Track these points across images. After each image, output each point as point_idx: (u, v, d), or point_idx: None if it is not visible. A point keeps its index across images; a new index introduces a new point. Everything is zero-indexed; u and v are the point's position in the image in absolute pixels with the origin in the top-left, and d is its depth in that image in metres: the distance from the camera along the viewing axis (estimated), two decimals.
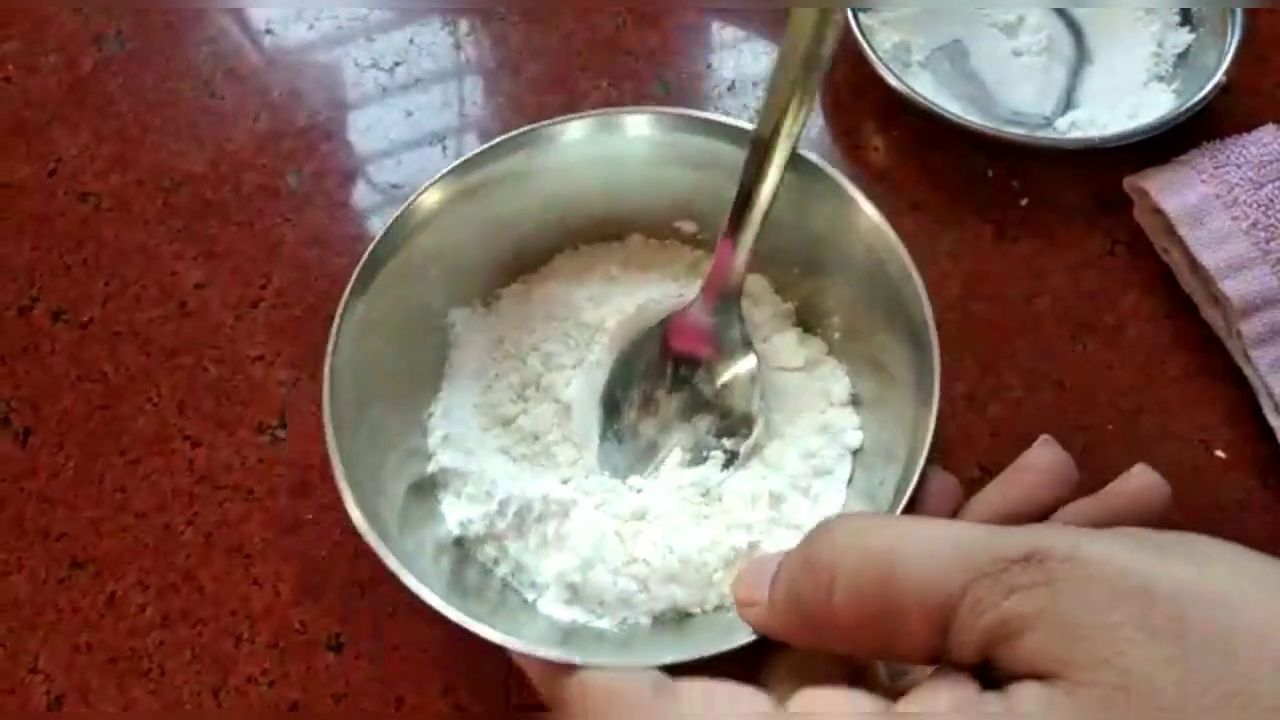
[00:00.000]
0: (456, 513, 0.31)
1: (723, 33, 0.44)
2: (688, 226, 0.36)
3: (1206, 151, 0.36)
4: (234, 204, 0.40)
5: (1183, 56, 0.39)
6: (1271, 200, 0.34)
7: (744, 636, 0.25)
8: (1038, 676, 0.18)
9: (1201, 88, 0.36)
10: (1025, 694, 0.18)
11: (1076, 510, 0.26)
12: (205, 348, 0.37)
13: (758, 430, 0.32)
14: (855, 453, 0.32)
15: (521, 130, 0.33)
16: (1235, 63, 0.37)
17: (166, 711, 0.32)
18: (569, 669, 0.25)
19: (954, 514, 0.27)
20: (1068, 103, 0.39)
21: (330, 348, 0.30)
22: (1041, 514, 0.26)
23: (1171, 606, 0.17)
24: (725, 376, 0.33)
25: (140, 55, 0.44)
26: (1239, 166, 0.35)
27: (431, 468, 0.32)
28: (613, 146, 0.34)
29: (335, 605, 0.33)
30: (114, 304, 0.38)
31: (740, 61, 0.43)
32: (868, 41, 0.38)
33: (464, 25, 0.45)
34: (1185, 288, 0.36)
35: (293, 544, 0.34)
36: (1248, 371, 0.34)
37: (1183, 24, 0.40)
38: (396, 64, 0.43)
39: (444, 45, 0.44)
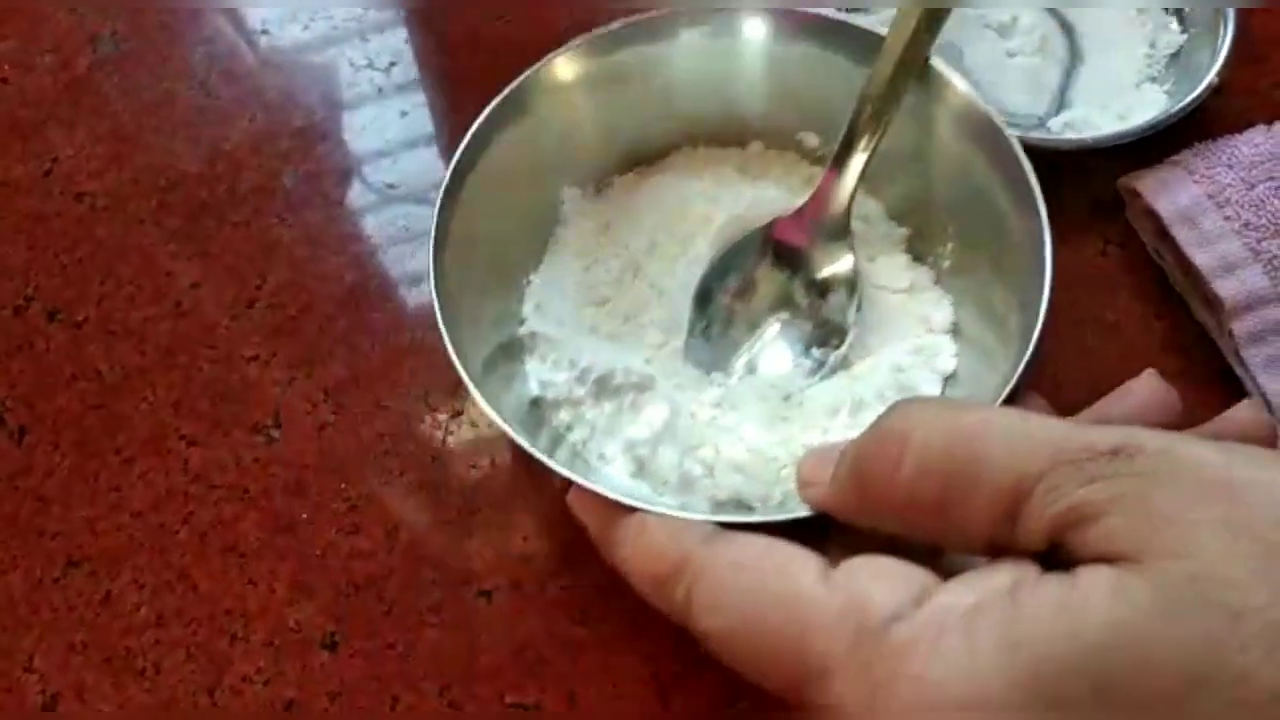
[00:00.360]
0: (539, 375, 0.32)
1: None
2: (810, 140, 0.36)
3: (1199, 152, 0.36)
4: (229, 204, 0.40)
5: (1175, 57, 0.39)
6: (1263, 200, 0.34)
7: (803, 511, 0.25)
8: (1108, 561, 0.18)
9: (1194, 88, 0.37)
10: (1091, 575, 0.18)
11: None
12: (200, 347, 0.37)
13: (849, 341, 0.32)
14: (947, 379, 0.32)
15: (651, 15, 0.33)
16: (1228, 63, 0.37)
17: (162, 710, 0.32)
18: (628, 511, 0.25)
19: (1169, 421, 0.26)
20: (1060, 103, 0.39)
21: (443, 192, 0.30)
22: None
23: (1259, 511, 0.17)
24: (823, 275, 0.33)
25: (135, 55, 0.44)
26: (1231, 167, 0.35)
27: (522, 331, 0.33)
28: (740, 48, 0.34)
29: (330, 604, 0.33)
30: (109, 303, 0.38)
31: None
32: None
33: None
34: (1177, 288, 0.36)
35: (288, 543, 0.34)
36: (1240, 372, 0.34)
37: (1175, 24, 0.40)
38: (392, 64, 0.43)
39: None
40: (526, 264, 0.34)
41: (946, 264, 0.34)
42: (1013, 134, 0.30)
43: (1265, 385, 0.33)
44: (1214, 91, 0.37)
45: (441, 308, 0.29)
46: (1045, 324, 0.27)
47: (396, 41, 0.44)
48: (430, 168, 0.41)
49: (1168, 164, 0.36)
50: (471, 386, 0.28)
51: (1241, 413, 0.26)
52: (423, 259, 0.38)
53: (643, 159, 0.36)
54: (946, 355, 0.32)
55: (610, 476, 0.31)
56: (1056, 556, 0.19)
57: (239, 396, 0.36)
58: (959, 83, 0.31)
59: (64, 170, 0.41)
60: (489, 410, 0.27)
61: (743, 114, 0.36)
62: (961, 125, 0.32)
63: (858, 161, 0.31)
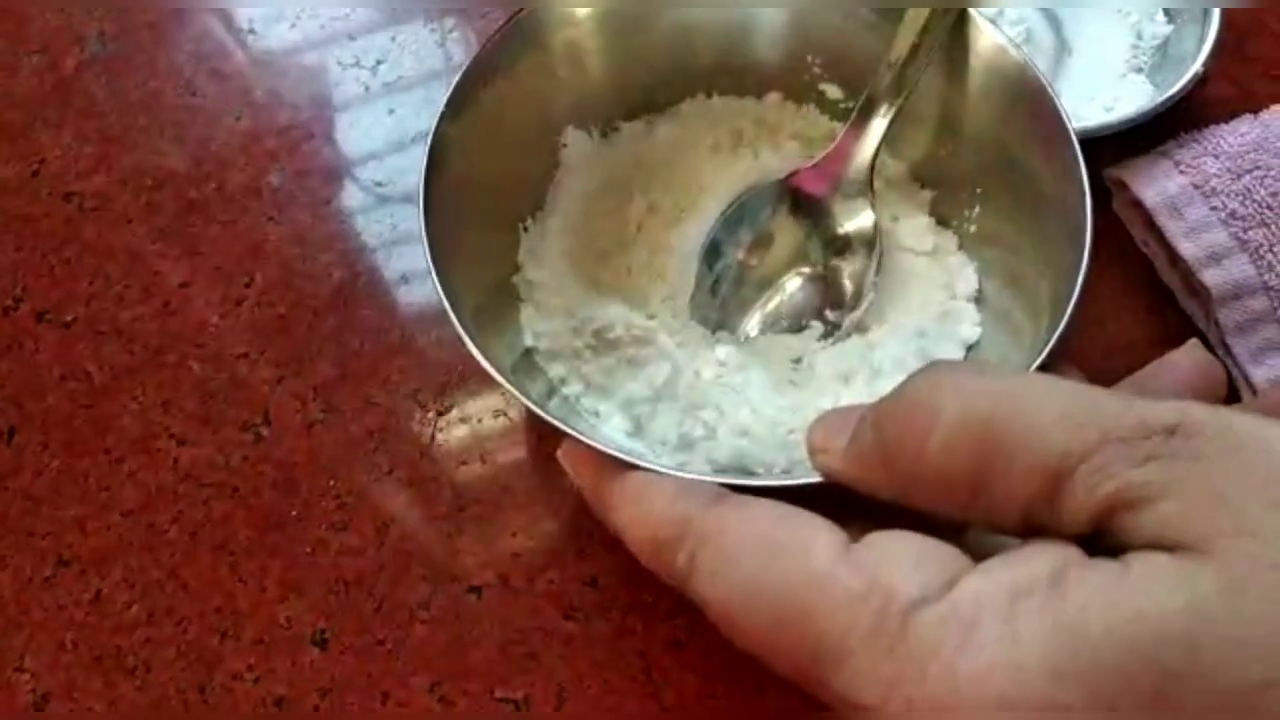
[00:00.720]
0: (533, 325, 0.31)
1: None
2: (832, 91, 0.34)
3: (1185, 142, 0.36)
4: (217, 203, 0.40)
5: (1161, 48, 0.39)
6: (1249, 190, 0.34)
7: (813, 478, 0.22)
8: (1165, 549, 0.16)
9: (1180, 79, 0.37)
10: (1148, 563, 0.16)
11: None
12: (189, 346, 0.37)
13: (866, 303, 0.30)
14: (969, 349, 0.30)
15: None
16: (1213, 54, 0.37)
17: (152, 709, 0.32)
18: (625, 468, 0.23)
19: (1216, 397, 0.25)
20: None
21: (439, 119, 0.28)
22: None
23: None
24: (841, 231, 0.31)
25: (123, 55, 0.44)
26: (1217, 157, 0.35)
27: (517, 278, 0.31)
28: None
29: (320, 601, 0.33)
30: (98, 303, 0.38)
31: None
32: None
33: (448, 24, 0.45)
34: (1164, 278, 0.36)
35: (277, 541, 0.34)
36: (1226, 362, 0.34)
37: (1161, 15, 0.40)
38: (379, 62, 0.43)
39: (427, 44, 0.44)
40: (525, 208, 0.33)
41: (973, 229, 0.32)
42: (1056, 93, 0.28)
43: (1252, 374, 0.33)
44: (1200, 81, 0.37)
45: (432, 246, 0.27)
46: (1081, 294, 0.25)
47: (383, 40, 0.44)
48: (418, 167, 0.41)
49: (1154, 154, 0.36)
50: (463, 333, 0.25)
51: (1183, 356, 0.25)
52: (411, 257, 0.39)
53: (653, 105, 0.34)
54: (970, 324, 0.31)
55: (606, 434, 0.29)
56: (1101, 542, 0.17)
57: (228, 395, 0.36)
58: (997, 36, 0.29)
59: (52, 170, 0.41)
60: (481, 358, 0.25)
61: (761, 62, 0.34)
62: (997, 82, 0.30)
63: (879, 124, 0.30)
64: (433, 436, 0.35)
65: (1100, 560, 0.17)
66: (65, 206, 0.40)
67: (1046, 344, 0.25)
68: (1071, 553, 0.17)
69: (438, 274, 0.26)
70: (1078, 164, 0.27)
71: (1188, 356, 0.25)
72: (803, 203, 0.32)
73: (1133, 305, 0.37)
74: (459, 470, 0.35)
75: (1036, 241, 0.29)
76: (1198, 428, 0.16)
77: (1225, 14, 0.38)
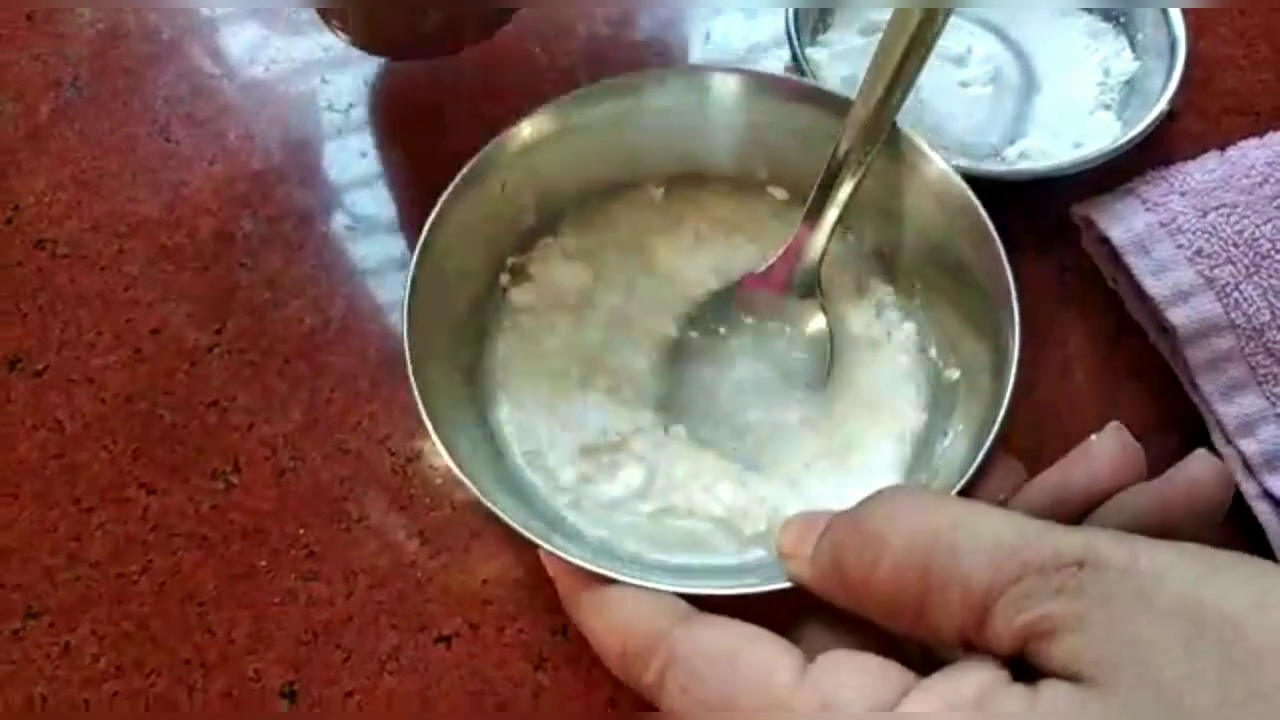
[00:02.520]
0: (504, 414, 0.33)
1: None
2: (779, 194, 0.37)
3: (1152, 179, 0.36)
4: (189, 249, 0.40)
5: (1129, 84, 0.40)
6: (1215, 227, 0.34)
7: (775, 584, 0.25)
8: (1071, 678, 0.18)
9: (1147, 115, 0.37)
10: (1054, 691, 0.18)
11: (1133, 497, 0.25)
12: (160, 394, 0.37)
13: (822, 395, 0.33)
14: (916, 432, 0.33)
15: (617, 79, 0.34)
16: (1180, 90, 0.37)
17: None
18: (600, 579, 0.26)
19: (1132, 478, 0.26)
20: (1015, 132, 0.39)
21: (414, 265, 0.31)
22: (1100, 499, 0.26)
23: (1221, 633, 0.17)
24: (795, 332, 0.34)
25: (97, 101, 0.44)
26: (1183, 194, 0.35)
27: (487, 361, 0.34)
28: (709, 103, 0.35)
29: (289, 653, 0.33)
30: (69, 350, 0.38)
31: None
32: (815, 76, 0.38)
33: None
34: (1133, 314, 0.36)
35: (246, 591, 0.34)
36: (1195, 399, 0.34)
37: (1128, 52, 0.40)
38: (350, 105, 0.43)
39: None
40: (491, 329, 0.35)
41: (918, 316, 0.35)
42: (982, 212, 0.32)
43: (1220, 412, 0.33)
44: (1167, 118, 0.37)
45: (415, 374, 0.29)
46: (1011, 401, 0.28)
47: (355, 83, 0.44)
48: (389, 209, 0.41)
49: (1121, 191, 0.36)
50: (442, 449, 0.28)
51: (1192, 468, 0.26)
52: (381, 299, 0.39)
53: (607, 211, 0.37)
54: (916, 410, 0.33)
55: (582, 532, 0.31)
56: (1026, 661, 0.19)
57: (198, 443, 0.36)
58: (928, 149, 0.32)
59: (25, 218, 0.41)
60: (464, 479, 0.28)
61: (712, 169, 0.37)
62: (929, 189, 0.33)
63: (830, 217, 0.33)
64: (402, 484, 0.35)
65: (1017, 686, 0.19)
66: (38, 254, 0.40)
67: (990, 435, 0.28)
68: (998, 675, 0.20)
69: (425, 408, 0.29)
70: (1002, 261, 0.30)
71: (1108, 443, 0.26)
72: (756, 309, 0.35)
73: (1102, 340, 0.37)
74: (429, 517, 0.35)
75: (975, 330, 0.32)
76: (1104, 562, 0.19)
77: (1191, 50, 0.38)
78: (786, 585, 0.25)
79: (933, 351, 0.34)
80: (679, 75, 0.35)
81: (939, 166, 0.32)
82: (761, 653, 0.22)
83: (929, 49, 0.30)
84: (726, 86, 0.34)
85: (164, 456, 0.36)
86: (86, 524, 0.35)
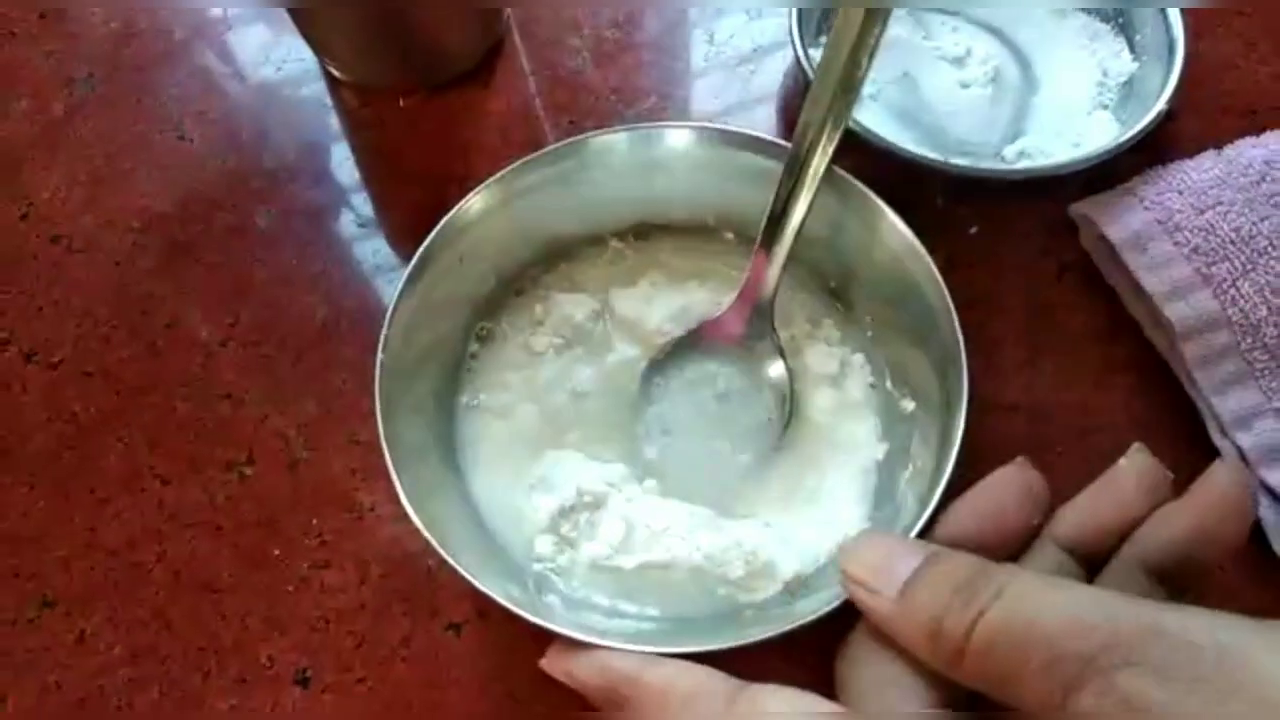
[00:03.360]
0: (479, 485, 0.34)
1: None
2: (728, 236, 0.38)
3: (1149, 178, 0.37)
4: (203, 244, 0.41)
5: (1127, 84, 0.40)
6: (1212, 226, 0.35)
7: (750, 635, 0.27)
8: None
9: (1145, 115, 0.37)
10: None
11: (1168, 520, 0.26)
12: (175, 386, 0.38)
13: (784, 432, 0.34)
14: (879, 461, 0.34)
15: (566, 142, 0.35)
16: (1178, 90, 0.38)
17: None
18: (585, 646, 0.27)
19: (1035, 514, 0.28)
20: (1014, 131, 0.40)
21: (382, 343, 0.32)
22: (1134, 524, 0.27)
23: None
24: (754, 380, 0.35)
25: (111, 98, 0.45)
26: (1180, 193, 0.36)
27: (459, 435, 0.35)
28: (654, 159, 0.36)
29: (302, 640, 0.33)
30: (85, 344, 0.39)
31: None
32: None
33: None
34: (1131, 311, 0.37)
35: (260, 579, 0.34)
36: (1192, 394, 0.35)
37: (1127, 52, 0.41)
38: (361, 105, 0.44)
39: None
40: (460, 402, 0.36)
41: (869, 335, 0.36)
42: (924, 254, 0.33)
43: (1217, 407, 0.34)
44: (1165, 117, 0.37)
45: (393, 457, 0.30)
46: (966, 433, 0.29)
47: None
48: (399, 202, 0.42)
49: (1119, 190, 0.37)
50: (426, 532, 0.29)
51: (1219, 476, 0.27)
52: (392, 293, 0.39)
53: (566, 269, 0.38)
54: (874, 446, 0.34)
55: (571, 593, 0.32)
56: None
57: (213, 435, 0.37)
58: (863, 187, 0.33)
59: (41, 213, 0.42)
60: (453, 562, 0.29)
61: (661, 219, 0.38)
62: (870, 226, 0.34)
63: (783, 248, 0.33)
64: None
65: None
66: (53, 248, 0.41)
67: (945, 469, 0.29)
68: None
69: (394, 466, 0.30)
70: (942, 289, 0.32)
71: (1134, 466, 0.28)
72: (716, 349, 0.36)
73: (1101, 337, 0.37)
74: None
75: (922, 354, 0.33)
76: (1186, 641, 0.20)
77: (1189, 50, 0.38)
78: (745, 643, 0.27)
79: (888, 384, 0.35)
80: (624, 135, 0.36)
81: (874, 201, 0.33)
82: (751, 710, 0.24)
83: (874, 50, 0.31)
84: (667, 141, 0.36)
85: (179, 447, 0.37)
86: (102, 514, 0.36)
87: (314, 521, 0.35)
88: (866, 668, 0.25)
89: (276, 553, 0.35)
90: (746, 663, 0.26)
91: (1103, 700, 0.19)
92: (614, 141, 0.35)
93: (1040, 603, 0.22)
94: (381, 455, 0.36)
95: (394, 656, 0.33)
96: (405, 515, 0.35)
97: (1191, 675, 0.19)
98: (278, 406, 0.37)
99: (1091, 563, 0.27)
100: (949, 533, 0.28)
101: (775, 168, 0.33)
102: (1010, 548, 0.28)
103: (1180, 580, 0.26)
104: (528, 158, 0.35)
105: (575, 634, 0.28)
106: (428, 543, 0.29)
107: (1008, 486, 0.28)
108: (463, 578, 0.28)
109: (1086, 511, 0.27)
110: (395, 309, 0.32)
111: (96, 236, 0.41)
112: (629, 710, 0.26)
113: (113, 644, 0.34)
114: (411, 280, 0.33)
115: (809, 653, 0.27)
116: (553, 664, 0.28)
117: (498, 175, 0.34)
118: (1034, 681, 0.21)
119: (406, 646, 0.33)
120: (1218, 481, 0.27)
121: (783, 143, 0.33)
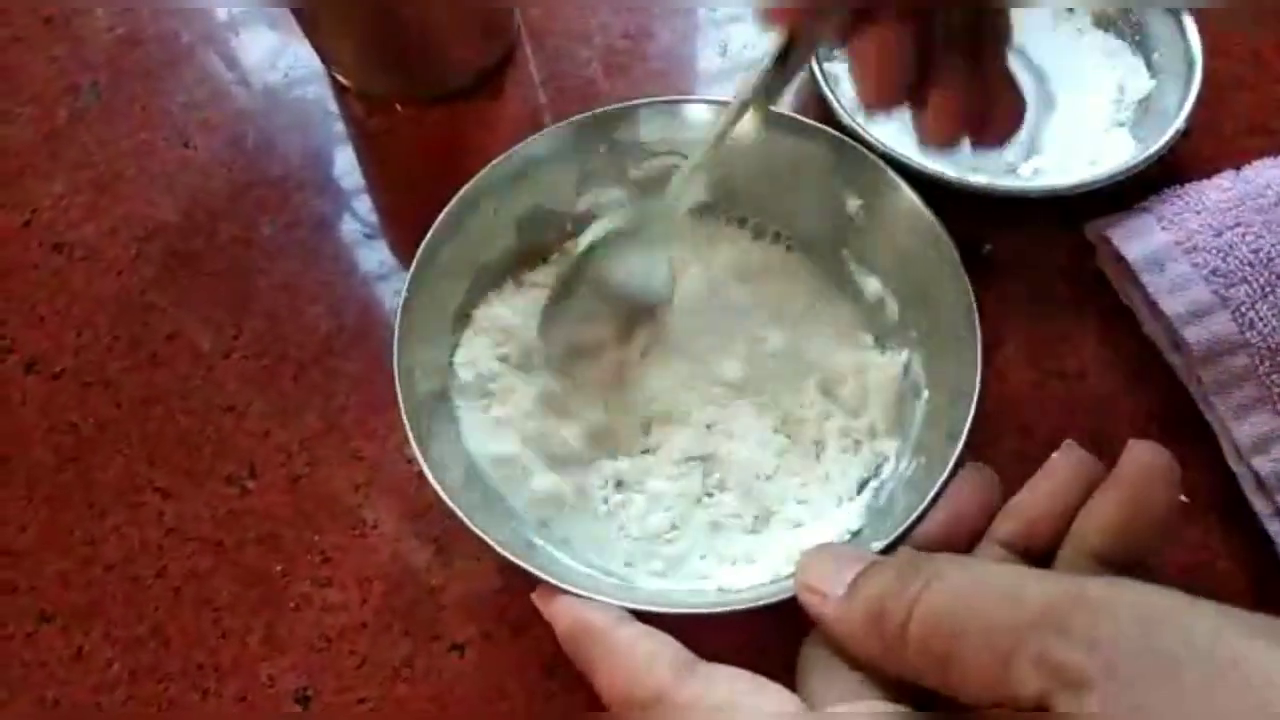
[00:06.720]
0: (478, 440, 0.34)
1: None
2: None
3: (1167, 198, 0.36)
4: (207, 253, 0.40)
5: (1144, 103, 0.40)
6: (1231, 246, 0.34)
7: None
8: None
9: (1162, 133, 0.37)
10: None
11: (1102, 503, 0.27)
12: (175, 398, 0.37)
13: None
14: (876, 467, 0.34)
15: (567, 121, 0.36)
16: (1196, 109, 0.37)
17: None
18: (599, 624, 0.27)
19: (988, 506, 0.29)
20: (1031, 149, 0.39)
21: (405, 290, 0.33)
22: (1072, 512, 0.27)
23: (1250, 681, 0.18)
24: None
25: (115, 106, 0.44)
26: (1198, 213, 0.35)
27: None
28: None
29: (302, 659, 0.33)
30: (86, 354, 0.39)
31: None
32: (832, 90, 0.38)
33: None
34: (1147, 332, 0.36)
35: (261, 596, 0.34)
36: (1209, 417, 0.34)
37: (1144, 70, 0.40)
38: (368, 113, 0.44)
39: None
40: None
41: (903, 342, 0.36)
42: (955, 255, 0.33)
43: (1234, 431, 0.33)
44: (1182, 136, 0.37)
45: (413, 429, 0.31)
46: (977, 397, 0.30)
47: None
48: (406, 213, 0.41)
49: (1136, 210, 0.36)
50: (440, 490, 0.29)
51: (1136, 453, 0.27)
52: (396, 305, 0.39)
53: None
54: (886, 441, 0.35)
55: (589, 574, 0.32)
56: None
57: (213, 448, 0.36)
58: (917, 200, 0.34)
59: (43, 221, 0.42)
60: (473, 526, 0.29)
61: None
62: (904, 218, 0.34)
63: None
64: (417, 490, 0.35)
65: None
66: (55, 257, 0.41)
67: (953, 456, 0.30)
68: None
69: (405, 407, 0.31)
70: (968, 291, 0.32)
71: (1063, 463, 0.28)
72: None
73: (1116, 357, 0.37)
74: (443, 525, 0.35)
75: (949, 354, 0.33)
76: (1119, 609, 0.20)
77: (1207, 69, 0.38)
78: (784, 597, 0.27)
79: (915, 375, 0.35)
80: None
81: (908, 196, 0.34)
82: (766, 703, 0.24)
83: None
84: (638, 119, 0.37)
85: (179, 460, 0.36)
86: (100, 527, 0.35)
87: (316, 538, 0.35)
88: (814, 674, 0.25)
89: (278, 569, 0.34)
90: (721, 638, 0.27)
91: (1039, 669, 0.20)
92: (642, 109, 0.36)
93: (977, 579, 0.23)
94: (383, 471, 0.36)
95: (396, 676, 0.32)
96: (409, 533, 0.34)
97: (1112, 644, 0.19)
98: (280, 420, 0.37)
99: (1038, 559, 0.27)
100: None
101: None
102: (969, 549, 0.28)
103: (1125, 559, 0.26)
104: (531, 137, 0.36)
105: (558, 583, 0.28)
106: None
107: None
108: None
109: (1024, 507, 0.28)
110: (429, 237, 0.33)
111: (99, 245, 0.41)
112: (591, 666, 0.27)
113: (111, 660, 0.33)
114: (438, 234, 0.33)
115: (773, 638, 0.27)
116: (540, 598, 0.28)
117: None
118: (973, 656, 0.21)
119: (409, 666, 0.32)
120: (1138, 456, 0.27)
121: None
